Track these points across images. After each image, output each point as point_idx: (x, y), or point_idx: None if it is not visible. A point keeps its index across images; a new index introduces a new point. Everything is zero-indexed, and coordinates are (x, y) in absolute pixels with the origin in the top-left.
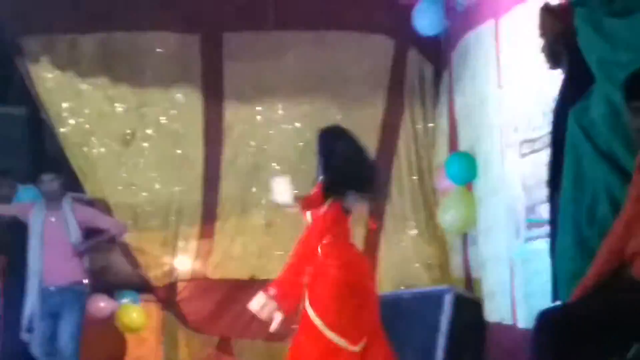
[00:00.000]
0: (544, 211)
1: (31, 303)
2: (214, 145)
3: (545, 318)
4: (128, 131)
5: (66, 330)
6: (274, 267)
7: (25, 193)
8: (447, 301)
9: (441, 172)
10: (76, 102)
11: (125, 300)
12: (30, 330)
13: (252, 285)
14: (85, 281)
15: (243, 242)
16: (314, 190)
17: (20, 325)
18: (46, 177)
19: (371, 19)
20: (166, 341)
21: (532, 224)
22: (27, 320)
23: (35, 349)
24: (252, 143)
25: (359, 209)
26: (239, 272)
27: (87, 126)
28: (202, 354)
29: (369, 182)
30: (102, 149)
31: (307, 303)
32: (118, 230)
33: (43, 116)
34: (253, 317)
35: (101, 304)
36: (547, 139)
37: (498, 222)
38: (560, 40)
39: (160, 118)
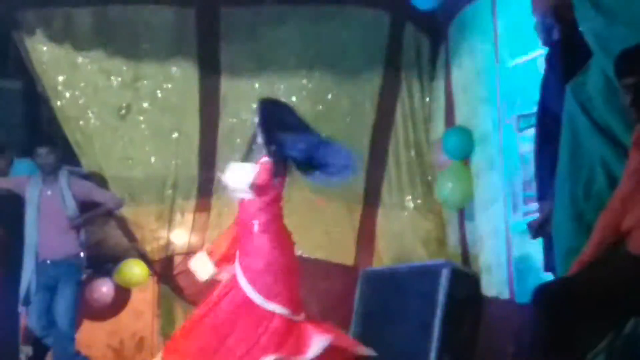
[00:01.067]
0: None
1: (27, 276)
2: (210, 119)
3: (542, 292)
4: (124, 105)
5: (62, 304)
6: None
7: (21, 167)
8: (444, 276)
9: (438, 147)
10: (72, 76)
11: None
12: (27, 303)
13: None
14: (82, 254)
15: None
16: (262, 173)
17: (16, 299)
18: (42, 150)
19: None
20: (162, 315)
21: (529, 198)
22: (24, 293)
23: (32, 322)
24: (249, 117)
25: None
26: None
27: (82, 100)
28: None
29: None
30: (98, 123)
31: (240, 275)
32: (114, 204)
33: (39, 90)
34: None
35: (103, 289)
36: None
37: (495, 197)
38: (555, 15)
39: (157, 92)
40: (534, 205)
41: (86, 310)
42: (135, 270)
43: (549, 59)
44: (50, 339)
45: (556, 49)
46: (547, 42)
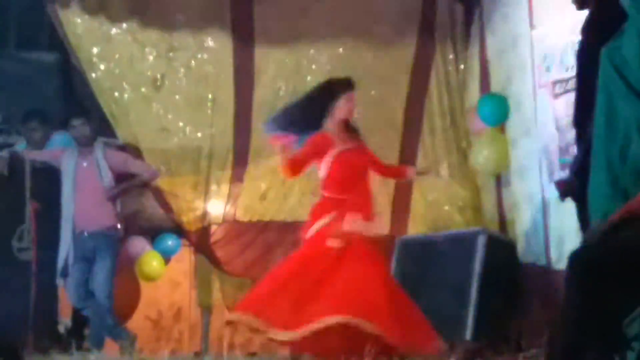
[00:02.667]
0: None
1: (65, 248)
2: (244, 89)
3: (578, 257)
4: (158, 76)
5: (100, 275)
6: (305, 208)
7: (59, 139)
8: (480, 243)
9: (473, 114)
10: (106, 48)
11: (168, 243)
12: (64, 275)
13: (283, 228)
14: (118, 226)
15: (274, 185)
16: None
17: (53, 270)
18: (76, 122)
19: None
20: (199, 285)
21: (565, 164)
22: (62, 265)
23: (70, 294)
24: (283, 87)
25: None
26: (270, 214)
27: (117, 71)
28: (236, 297)
29: None
30: (133, 94)
31: None
32: (150, 175)
33: (73, 62)
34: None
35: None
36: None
37: (531, 163)
38: None
39: (191, 62)
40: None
41: (124, 281)
42: (153, 263)
43: (585, 24)
44: (88, 310)
45: (592, 14)
46: (581, 5)
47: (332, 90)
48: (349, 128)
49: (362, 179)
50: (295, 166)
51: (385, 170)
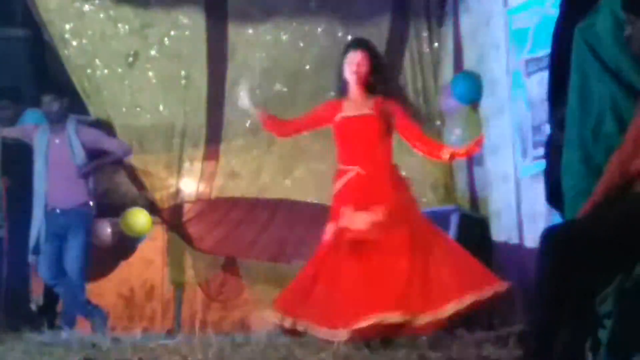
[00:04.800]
0: None
1: (37, 225)
2: (217, 67)
3: (550, 235)
4: (131, 52)
5: (72, 252)
6: (278, 186)
7: (31, 116)
8: (453, 221)
9: (447, 92)
10: (79, 24)
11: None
12: (36, 252)
13: (256, 205)
14: (91, 203)
15: (246, 163)
16: None
17: (25, 248)
18: (46, 98)
19: None
20: (172, 263)
21: (539, 142)
22: (34, 242)
23: (42, 271)
24: (257, 64)
25: None
26: (243, 192)
27: (90, 48)
28: (208, 275)
29: None
30: (106, 71)
31: None
32: (123, 152)
33: (46, 38)
34: (257, 237)
35: (108, 230)
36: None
37: (504, 142)
38: None
39: (164, 39)
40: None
41: (96, 258)
42: (140, 219)
43: (561, 2)
44: (60, 287)
45: None
46: None
47: (341, 53)
48: (364, 91)
49: (373, 149)
50: (283, 127)
51: (420, 141)
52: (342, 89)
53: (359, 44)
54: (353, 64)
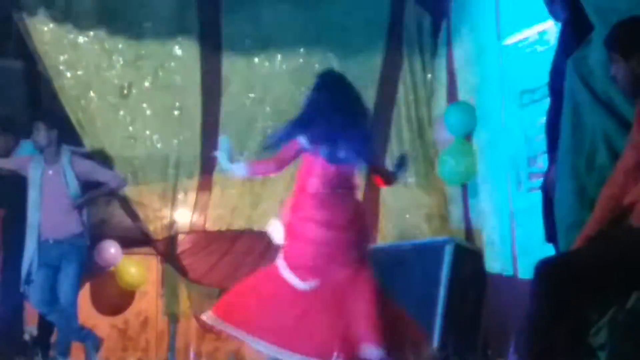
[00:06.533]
0: (546, 162)
1: (29, 256)
2: (212, 97)
3: (544, 267)
4: (126, 84)
5: (65, 283)
6: (272, 217)
7: (26, 147)
8: (448, 252)
9: (440, 123)
10: (73, 55)
11: None
12: (28, 282)
13: (250, 236)
14: (84, 234)
15: (240, 194)
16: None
17: (19, 278)
18: (35, 128)
19: None
20: (166, 294)
21: (533, 174)
22: (26, 272)
23: (34, 299)
24: (251, 95)
25: None
26: (237, 223)
27: (84, 79)
28: (203, 305)
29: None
30: (100, 102)
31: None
32: (117, 184)
33: (41, 69)
34: (251, 268)
35: (112, 250)
36: (546, 90)
37: (498, 173)
38: None
39: (158, 70)
40: (539, 182)
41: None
42: (132, 269)
43: (560, 34)
44: (53, 315)
45: (564, 24)
46: (556, 15)
47: None
48: None
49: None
50: (272, 164)
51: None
52: None
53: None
54: None
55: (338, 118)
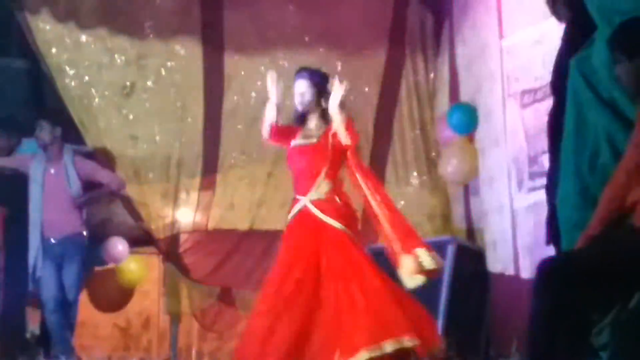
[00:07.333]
0: (547, 161)
1: (34, 254)
2: (214, 97)
3: (546, 267)
4: (128, 83)
5: (68, 280)
6: (275, 217)
7: (28, 146)
8: (450, 252)
9: (442, 123)
10: (76, 54)
11: None
12: (35, 280)
13: (252, 236)
14: (84, 233)
15: (243, 193)
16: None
17: (21, 277)
18: (37, 127)
19: None
20: (168, 293)
21: (535, 173)
22: (32, 270)
23: (45, 297)
24: (253, 94)
25: None
26: (239, 222)
27: (87, 78)
28: (204, 305)
29: None
30: (103, 101)
31: None
32: (116, 185)
33: (43, 68)
34: (254, 267)
35: (120, 247)
36: (548, 89)
37: (500, 173)
38: None
39: (161, 70)
40: (540, 181)
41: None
42: (132, 267)
43: (564, 34)
44: (59, 313)
45: (568, 24)
46: (558, 15)
47: None
48: (320, 118)
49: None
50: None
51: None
52: (297, 120)
53: (298, 72)
54: (297, 94)
55: None
